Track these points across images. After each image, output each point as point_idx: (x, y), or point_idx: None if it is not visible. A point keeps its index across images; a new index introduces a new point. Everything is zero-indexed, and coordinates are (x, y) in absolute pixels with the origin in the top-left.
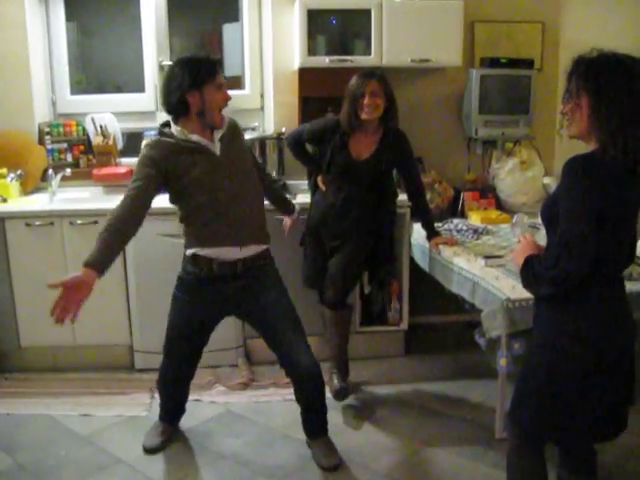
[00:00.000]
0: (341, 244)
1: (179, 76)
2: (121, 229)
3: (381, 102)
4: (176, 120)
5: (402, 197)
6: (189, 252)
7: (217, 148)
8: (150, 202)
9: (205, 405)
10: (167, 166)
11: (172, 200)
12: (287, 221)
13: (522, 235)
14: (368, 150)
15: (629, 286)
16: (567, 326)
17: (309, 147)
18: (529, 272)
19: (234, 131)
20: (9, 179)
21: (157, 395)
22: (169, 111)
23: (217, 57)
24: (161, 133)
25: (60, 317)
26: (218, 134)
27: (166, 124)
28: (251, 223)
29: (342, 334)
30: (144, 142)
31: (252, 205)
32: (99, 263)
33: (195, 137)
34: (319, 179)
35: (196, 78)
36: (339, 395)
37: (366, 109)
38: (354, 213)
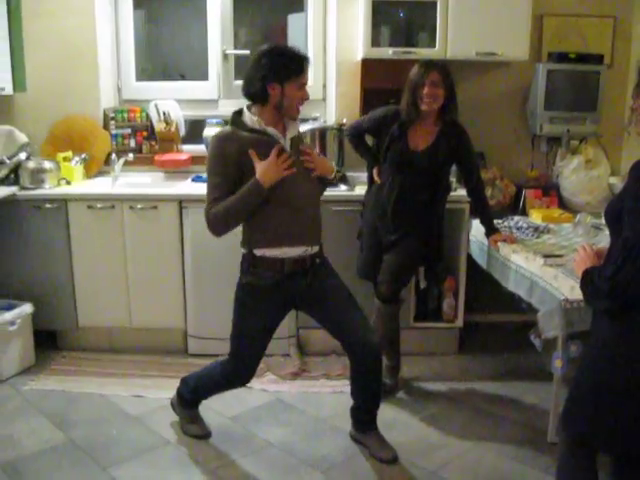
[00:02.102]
0: (397, 240)
1: (265, 67)
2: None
3: (441, 93)
4: (251, 106)
5: (461, 192)
6: (257, 253)
7: (287, 145)
8: None
9: (256, 392)
10: (243, 160)
11: None
12: None
13: (581, 245)
14: (425, 142)
15: None
16: (626, 335)
17: (369, 140)
18: (588, 285)
19: (300, 138)
20: (74, 162)
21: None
22: (248, 97)
23: (306, 54)
24: (235, 123)
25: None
26: (292, 132)
27: (239, 112)
28: (316, 222)
29: (392, 328)
30: (215, 133)
31: (316, 204)
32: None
33: (271, 129)
34: (374, 171)
35: (281, 73)
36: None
37: (425, 99)
38: (409, 207)
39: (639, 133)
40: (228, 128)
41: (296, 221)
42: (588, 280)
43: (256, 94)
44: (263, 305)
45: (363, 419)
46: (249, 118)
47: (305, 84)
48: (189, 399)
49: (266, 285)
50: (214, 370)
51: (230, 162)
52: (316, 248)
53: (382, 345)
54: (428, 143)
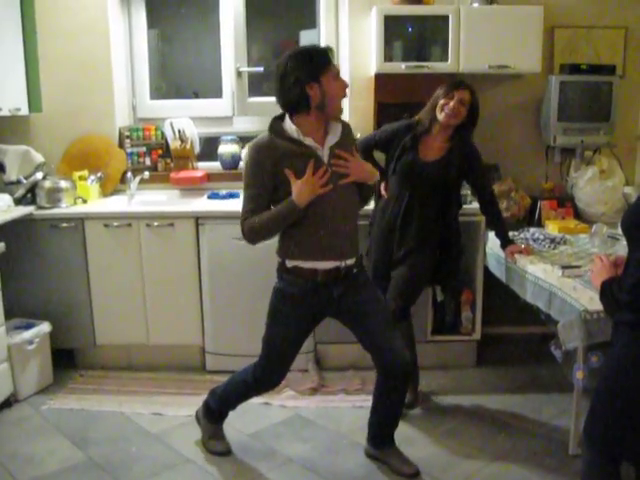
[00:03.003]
0: (404, 256)
1: (295, 70)
2: None
3: (463, 112)
4: (291, 117)
5: (476, 205)
6: (290, 264)
7: (325, 155)
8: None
9: (275, 409)
10: (277, 170)
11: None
12: None
13: (597, 256)
14: (436, 154)
15: None
16: None
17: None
18: (608, 296)
19: (346, 138)
20: (90, 181)
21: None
22: (287, 108)
23: (327, 46)
24: (273, 129)
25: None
26: (332, 140)
27: (280, 117)
28: (351, 235)
29: (406, 345)
30: (253, 141)
31: (353, 217)
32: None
33: (308, 141)
34: (382, 186)
35: (313, 70)
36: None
37: (447, 111)
38: (417, 221)
39: None
40: (265, 136)
41: (330, 237)
42: (608, 292)
43: (297, 101)
44: (294, 312)
45: (382, 435)
46: (289, 125)
47: (338, 72)
48: (216, 410)
49: (298, 293)
50: (244, 373)
51: (265, 173)
52: (352, 260)
53: None
54: (439, 156)
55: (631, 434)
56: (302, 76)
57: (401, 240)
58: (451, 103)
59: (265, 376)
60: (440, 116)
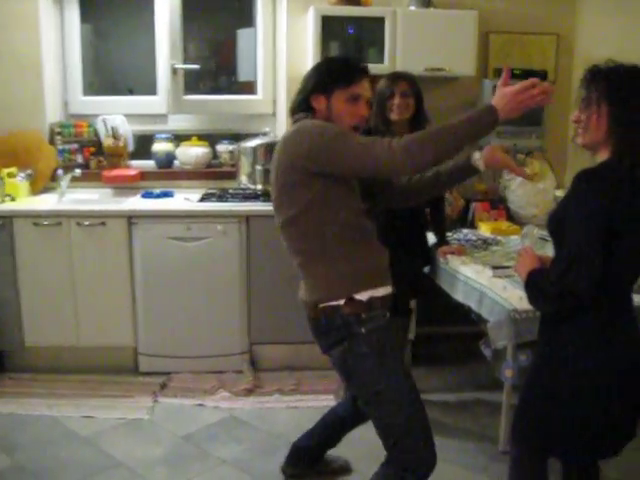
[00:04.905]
0: None
1: (310, 76)
2: None
3: (411, 103)
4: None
5: None
6: (362, 297)
7: None
8: None
9: (208, 410)
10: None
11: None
12: None
13: (523, 248)
14: None
15: (637, 299)
16: (572, 342)
17: None
18: (533, 287)
19: None
20: (19, 178)
21: (160, 399)
22: (291, 114)
23: (364, 65)
24: None
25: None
26: None
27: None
28: None
29: None
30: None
31: None
32: None
33: None
34: None
35: (326, 82)
36: None
37: (396, 109)
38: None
39: (582, 144)
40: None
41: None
42: (533, 282)
43: (299, 108)
44: (392, 347)
45: (311, 459)
46: None
47: (359, 97)
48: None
49: (385, 324)
50: None
51: None
52: None
53: None
54: None
55: (557, 430)
56: (312, 86)
57: None
58: (396, 100)
59: (423, 457)
60: (392, 115)
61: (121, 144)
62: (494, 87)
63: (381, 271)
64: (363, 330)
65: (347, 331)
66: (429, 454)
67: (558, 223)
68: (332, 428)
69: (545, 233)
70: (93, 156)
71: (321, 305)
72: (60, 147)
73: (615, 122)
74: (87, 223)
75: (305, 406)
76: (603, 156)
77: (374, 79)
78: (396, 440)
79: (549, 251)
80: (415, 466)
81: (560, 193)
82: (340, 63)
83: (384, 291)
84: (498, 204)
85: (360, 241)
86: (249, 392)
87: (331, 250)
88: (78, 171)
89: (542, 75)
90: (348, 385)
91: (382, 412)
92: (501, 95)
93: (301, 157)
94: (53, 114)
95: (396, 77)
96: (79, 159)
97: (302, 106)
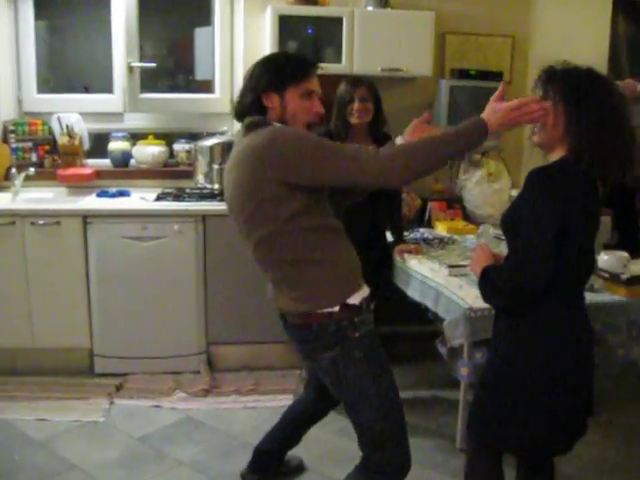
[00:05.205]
0: None
1: (258, 76)
2: None
3: (371, 107)
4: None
5: None
6: (355, 301)
7: None
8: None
9: (165, 411)
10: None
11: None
12: None
13: (478, 244)
14: None
15: (590, 297)
16: (523, 339)
17: None
18: (487, 284)
19: None
20: None
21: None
22: (239, 115)
23: (316, 60)
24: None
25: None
26: None
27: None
28: None
29: None
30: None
31: None
32: None
33: None
34: None
35: (277, 77)
36: None
37: (356, 114)
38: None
39: (537, 143)
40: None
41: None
42: (487, 278)
43: (249, 109)
44: (380, 351)
45: (275, 463)
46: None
47: (313, 92)
48: None
49: (371, 325)
50: None
51: None
52: None
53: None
54: None
55: (509, 425)
56: (262, 83)
57: None
58: (355, 105)
59: (400, 462)
60: (352, 119)
61: (76, 142)
62: (450, 87)
63: (359, 270)
64: (357, 334)
65: (340, 336)
66: (406, 459)
67: (512, 222)
68: (292, 426)
69: (500, 232)
70: (48, 154)
71: (315, 312)
72: (14, 145)
73: (571, 122)
74: (42, 222)
75: (263, 406)
76: (557, 155)
77: (330, 79)
78: (378, 445)
79: (504, 250)
80: (392, 471)
81: (515, 193)
82: (290, 59)
83: (367, 290)
84: (454, 204)
85: (339, 243)
86: (206, 393)
87: (320, 256)
88: (32, 170)
89: (498, 76)
90: (333, 389)
91: (367, 418)
92: (492, 110)
93: (283, 170)
94: (6, 112)
95: (356, 82)
96: (33, 157)
97: (253, 107)
